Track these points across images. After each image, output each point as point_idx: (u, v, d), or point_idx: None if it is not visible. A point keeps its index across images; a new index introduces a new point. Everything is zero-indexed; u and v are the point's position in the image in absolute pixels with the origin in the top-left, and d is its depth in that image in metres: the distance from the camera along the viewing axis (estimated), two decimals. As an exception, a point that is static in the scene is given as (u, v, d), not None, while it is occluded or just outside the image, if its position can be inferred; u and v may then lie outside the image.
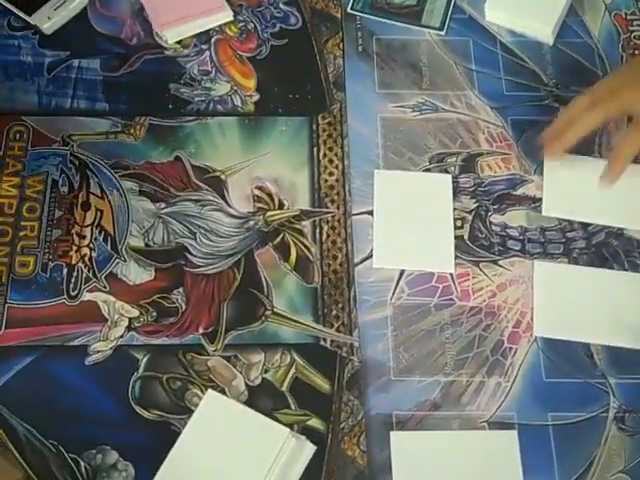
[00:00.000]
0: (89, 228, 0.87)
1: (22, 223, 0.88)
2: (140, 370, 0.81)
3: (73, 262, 0.86)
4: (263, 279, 0.86)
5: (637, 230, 0.90)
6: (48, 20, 0.99)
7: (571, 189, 0.90)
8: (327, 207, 0.90)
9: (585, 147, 0.91)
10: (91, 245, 0.87)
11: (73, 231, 0.87)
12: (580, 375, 0.83)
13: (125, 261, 0.86)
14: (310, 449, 0.78)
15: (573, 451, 0.80)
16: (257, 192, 0.90)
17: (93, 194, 0.89)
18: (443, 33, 1.01)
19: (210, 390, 0.79)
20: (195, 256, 0.87)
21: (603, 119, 0.86)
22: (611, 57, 1.00)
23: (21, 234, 0.87)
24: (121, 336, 0.82)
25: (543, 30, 1.00)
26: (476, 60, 1.00)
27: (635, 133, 0.86)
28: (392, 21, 1.02)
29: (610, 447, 0.80)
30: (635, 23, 1.03)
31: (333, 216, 0.90)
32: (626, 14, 1.04)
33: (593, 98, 0.86)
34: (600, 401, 0.82)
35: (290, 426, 0.78)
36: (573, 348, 0.84)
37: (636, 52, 1.01)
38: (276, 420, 0.78)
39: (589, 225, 0.90)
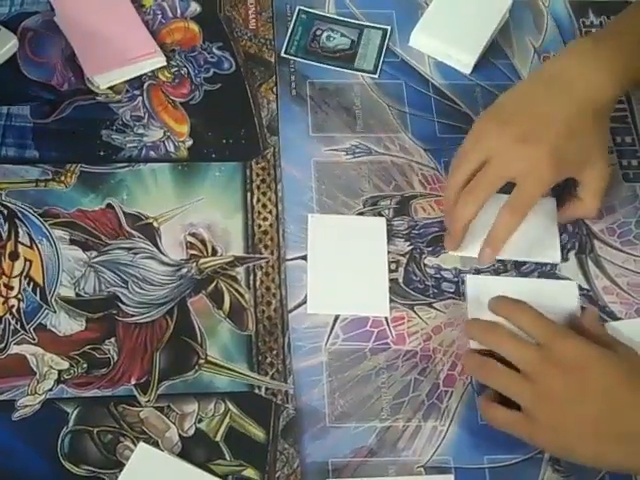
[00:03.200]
0: (17, 279, 0.86)
1: (-51, 274, 0.86)
2: (70, 424, 0.79)
3: (0, 314, 0.84)
4: (196, 327, 0.85)
5: (548, 262, 0.91)
6: (-23, 67, 0.98)
7: (473, 226, 0.89)
8: (261, 253, 0.89)
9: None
10: (19, 296, 0.85)
11: (0, 282, 0.85)
12: (516, 417, 0.83)
13: (55, 312, 0.84)
14: None
15: (510, 494, 0.80)
16: (190, 239, 0.90)
17: (22, 243, 0.88)
18: (376, 76, 1.02)
19: (142, 443, 0.78)
20: (127, 305, 0.86)
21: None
22: (541, 98, 1.01)
23: (-53, 285, 0.85)
24: (50, 389, 0.81)
25: (465, 60, 1.02)
26: (409, 103, 1.00)
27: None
28: (325, 65, 1.02)
29: (547, 489, 0.80)
30: (563, 64, 1.04)
31: (267, 262, 0.89)
32: (553, 56, 1.05)
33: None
34: (535, 443, 0.82)
35: (225, 477, 0.77)
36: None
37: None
38: (210, 471, 0.77)
39: (522, 265, 0.91)
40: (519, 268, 0.91)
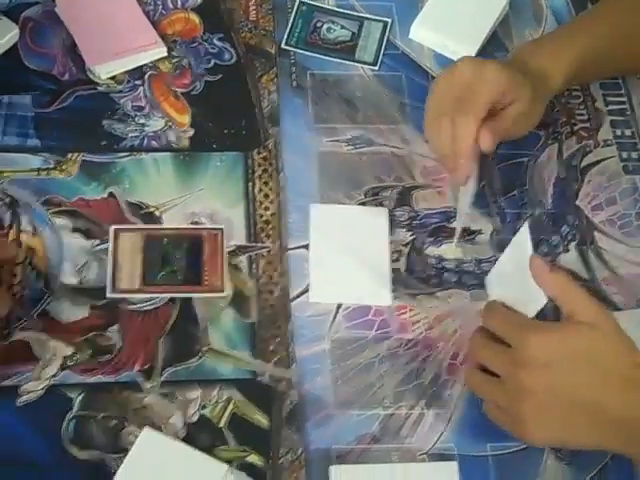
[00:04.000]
0: (20, 266, 0.86)
1: (-49, 261, 0.85)
2: (74, 409, 0.79)
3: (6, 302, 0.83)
4: (199, 315, 0.85)
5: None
6: (-22, 56, 0.98)
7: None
8: (263, 242, 0.90)
9: (516, 179, 0.93)
10: (23, 283, 0.85)
11: (3, 270, 0.85)
12: (517, 405, 0.83)
13: (58, 299, 0.84)
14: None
15: (512, 480, 0.80)
16: (192, 228, 0.90)
17: (24, 232, 0.87)
18: (376, 68, 1.02)
19: (146, 428, 0.77)
20: (130, 293, 0.86)
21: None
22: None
23: (-51, 272, 0.85)
24: (54, 375, 0.81)
25: (464, 52, 1.01)
26: (409, 94, 1.01)
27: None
28: (326, 57, 1.03)
29: (548, 476, 0.81)
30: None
31: (269, 251, 0.89)
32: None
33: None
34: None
35: (229, 462, 0.77)
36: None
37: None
38: (214, 457, 0.77)
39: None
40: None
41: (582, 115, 1.02)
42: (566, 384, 0.71)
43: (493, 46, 1.05)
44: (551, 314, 0.80)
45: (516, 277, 0.77)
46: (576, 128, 1.01)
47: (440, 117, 0.86)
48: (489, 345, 0.77)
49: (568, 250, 0.92)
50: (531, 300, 0.75)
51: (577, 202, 0.95)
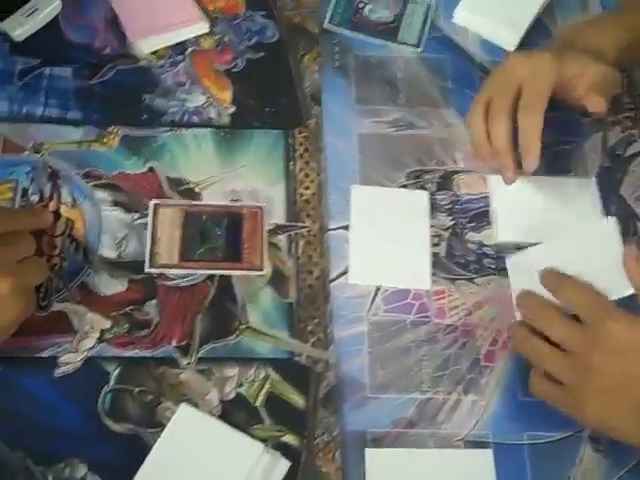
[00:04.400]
0: (60, 238, 0.85)
1: (-9, 231, 0.85)
2: (111, 383, 0.79)
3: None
4: (237, 293, 0.84)
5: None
6: (19, 27, 0.97)
7: (519, 210, 0.91)
8: (303, 222, 0.89)
9: (560, 169, 0.92)
10: (62, 255, 0.85)
11: (43, 240, 0.85)
12: (555, 394, 0.82)
13: (97, 272, 0.84)
14: (284, 465, 0.76)
15: (548, 471, 0.79)
16: (232, 205, 0.89)
17: (64, 203, 0.87)
18: (419, 50, 1.01)
19: (183, 404, 0.77)
20: (168, 268, 0.85)
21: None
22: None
23: (-10, 241, 0.85)
24: (91, 348, 0.80)
25: (509, 38, 1.01)
26: (452, 78, 1.00)
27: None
28: (369, 38, 1.02)
29: (585, 467, 0.80)
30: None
31: (309, 231, 0.89)
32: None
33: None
34: (575, 421, 0.81)
35: (264, 442, 0.77)
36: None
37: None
38: (250, 436, 0.77)
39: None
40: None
41: (628, 104, 1.00)
42: (638, 375, 0.70)
43: (537, 32, 1.04)
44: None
45: (594, 263, 0.77)
46: (621, 117, 0.99)
47: (496, 113, 0.86)
48: (560, 317, 0.76)
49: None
50: (613, 287, 0.75)
51: (620, 192, 0.94)
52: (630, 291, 0.74)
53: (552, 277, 0.80)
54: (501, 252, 0.89)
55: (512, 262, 0.88)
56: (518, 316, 0.83)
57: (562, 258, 0.81)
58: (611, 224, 0.80)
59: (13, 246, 0.75)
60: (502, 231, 0.90)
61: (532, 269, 0.82)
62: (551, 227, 0.89)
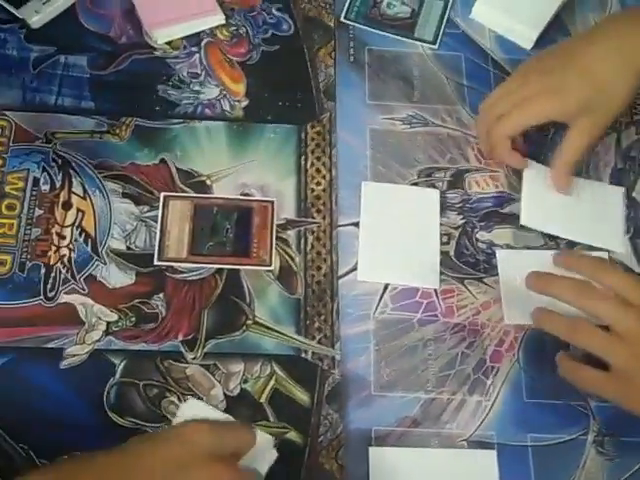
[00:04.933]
0: (69, 228, 0.86)
1: (0, 220, 0.85)
2: (117, 376, 0.80)
3: (51, 262, 0.84)
4: (245, 288, 0.85)
5: (613, 250, 0.90)
6: (35, 14, 0.97)
7: (549, 203, 0.90)
8: (313, 217, 0.89)
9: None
10: (71, 246, 0.85)
11: (53, 231, 0.85)
12: (561, 397, 0.83)
13: (105, 264, 0.84)
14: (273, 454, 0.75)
15: (552, 473, 0.80)
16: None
17: (75, 194, 0.87)
18: (436, 47, 1.01)
19: (191, 397, 0.78)
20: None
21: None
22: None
23: (-1, 231, 0.85)
24: (98, 340, 0.81)
25: (527, 34, 1.01)
26: (468, 76, 0.99)
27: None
28: (385, 33, 1.01)
29: (589, 470, 0.80)
30: (627, 45, 1.02)
31: (318, 226, 0.88)
32: (618, 35, 1.03)
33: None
34: (580, 424, 0.82)
35: (268, 438, 0.77)
36: (555, 369, 0.83)
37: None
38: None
39: (575, 244, 0.89)
40: (572, 248, 0.89)
41: (643, 105, 0.99)
42: None
43: (556, 30, 1.03)
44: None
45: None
46: (636, 118, 0.98)
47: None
48: (609, 298, 0.76)
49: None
50: None
51: (634, 194, 0.93)
52: None
53: (588, 261, 0.80)
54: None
55: (502, 256, 0.89)
56: (506, 314, 0.85)
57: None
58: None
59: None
60: (525, 215, 0.90)
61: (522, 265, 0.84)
62: (571, 225, 0.90)
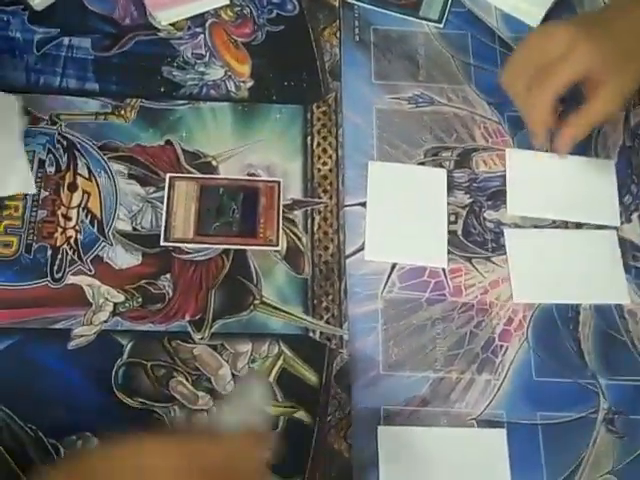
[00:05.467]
0: (75, 210, 0.85)
1: (6, 202, 0.85)
2: (124, 356, 0.79)
3: (58, 244, 0.84)
4: (252, 268, 0.84)
5: (599, 224, 0.90)
6: (39, -4, 0.97)
7: (533, 186, 0.91)
8: (320, 197, 0.88)
9: (581, 147, 0.91)
10: (77, 227, 0.85)
11: (59, 212, 0.85)
12: (570, 375, 0.82)
13: (112, 245, 0.84)
14: None
15: (562, 451, 0.79)
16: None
17: (80, 175, 0.87)
18: (441, 26, 1.00)
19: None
20: (184, 242, 0.85)
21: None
22: (609, 56, 0.99)
23: (5, 213, 0.85)
24: (105, 321, 0.81)
25: (534, 12, 1.00)
26: (474, 54, 0.98)
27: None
28: (390, 12, 1.00)
29: (599, 448, 0.79)
30: (634, 23, 1.02)
31: (325, 206, 0.88)
32: (625, 13, 1.02)
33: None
34: (590, 402, 0.81)
35: (277, 418, 0.77)
36: (564, 347, 0.83)
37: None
38: (262, 412, 0.77)
39: (583, 225, 0.89)
40: (581, 227, 0.89)
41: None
42: None
43: (562, 8, 1.02)
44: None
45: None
46: (644, 96, 0.98)
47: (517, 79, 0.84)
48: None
49: (630, 220, 0.90)
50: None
51: (642, 172, 0.93)
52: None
53: None
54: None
55: (510, 235, 0.89)
56: (515, 293, 0.85)
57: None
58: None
59: None
60: (511, 205, 0.90)
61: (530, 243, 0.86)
62: (562, 205, 0.90)
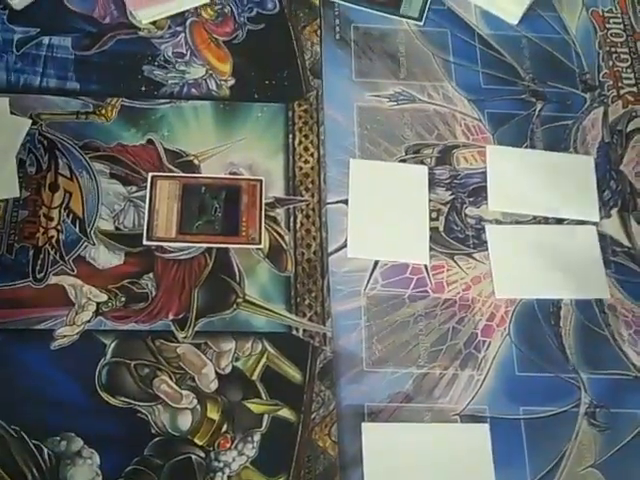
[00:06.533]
0: (57, 210, 0.85)
1: (-13, 203, 0.85)
2: (107, 356, 0.79)
3: (40, 244, 0.83)
4: (235, 266, 0.84)
5: (579, 219, 0.90)
6: (18, -5, 0.96)
7: (514, 182, 0.91)
8: (302, 195, 0.89)
9: (560, 143, 0.92)
10: (59, 227, 0.84)
11: (40, 212, 0.85)
12: (552, 369, 0.83)
13: (94, 244, 0.84)
14: None
15: (544, 445, 0.80)
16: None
17: (62, 175, 0.87)
18: (421, 24, 1.00)
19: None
20: (166, 241, 0.85)
21: None
22: (587, 54, 1.00)
23: (-14, 214, 0.85)
24: (88, 321, 0.80)
25: (512, 10, 1.01)
26: (454, 52, 0.99)
27: None
28: (371, 10, 1.01)
29: (581, 442, 0.80)
30: (612, 20, 1.03)
31: (307, 204, 0.88)
32: (603, 11, 1.04)
33: None
34: (571, 396, 0.82)
35: (261, 415, 0.77)
36: (546, 342, 0.84)
37: (612, 49, 1.00)
38: (247, 409, 0.77)
39: (563, 220, 0.90)
40: (561, 223, 0.90)
41: (629, 79, 0.99)
42: None
43: (541, 5, 1.03)
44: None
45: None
46: (623, 92, 0.98)
47: None
48: None
49: (610, 216, 0.91)
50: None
51: (621, 167, 0.93)
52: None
53: None
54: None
55: (492, 231, 0.89)
56: (497, 289, 0.86)
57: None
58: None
59: None
60: (492, 201, 0.90)
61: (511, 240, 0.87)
62: (542, 201, 0.90)
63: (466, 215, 0.90)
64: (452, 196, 0.91)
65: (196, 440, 0.77)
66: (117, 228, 0.85)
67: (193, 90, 0.93)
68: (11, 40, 0.94)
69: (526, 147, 0.92)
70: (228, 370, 0.80)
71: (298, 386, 0.80)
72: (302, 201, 0.88)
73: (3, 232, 0.84)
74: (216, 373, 0.80)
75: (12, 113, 0.89)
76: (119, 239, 0.85)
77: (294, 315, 0.83)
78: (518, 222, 0.89)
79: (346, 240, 0.87)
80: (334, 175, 0.90)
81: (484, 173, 0.92)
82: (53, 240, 0.84)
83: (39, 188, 0.86)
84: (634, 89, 0.99)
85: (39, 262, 0.82)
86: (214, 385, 0.79)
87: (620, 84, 0.99)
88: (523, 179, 0.91)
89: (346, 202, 0.89)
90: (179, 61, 0.95)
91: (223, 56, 0.96)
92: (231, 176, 0.88)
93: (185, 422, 0.77)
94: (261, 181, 0.88)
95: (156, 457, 0.76)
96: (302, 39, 0.98)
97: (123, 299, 0.82)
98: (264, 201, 0.87)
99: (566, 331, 0.85)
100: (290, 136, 0.91)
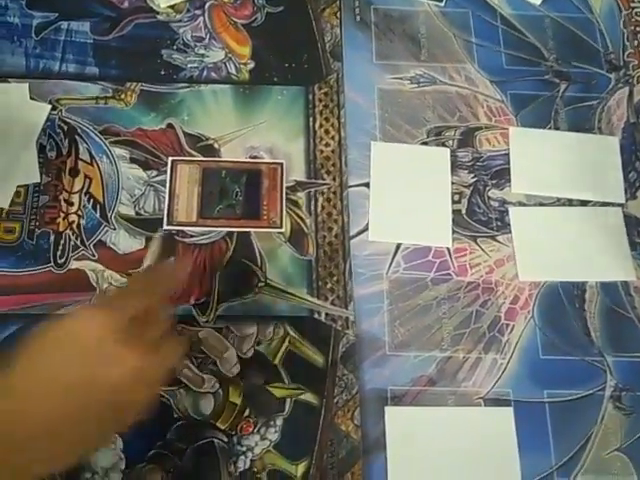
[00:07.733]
0: (77, 195, 0.85)
1: (8, 188, 0.85)
2: (130, 340, 0.79)
3: (60, 229, 0.83)
4: (256, 250, 0.84)
5: (604, 201, 0.89)
6: (37, -19, 0.96)
7: (537, 164, 0.90)
8: (323, 178, 0.88)
9: (584, 124, 0.91)
10: (79, 212, 0.84)
11: (61, 197, 0.85)
12: (577, 353, 0.82)
13: (115, 229, 0.84)
14: None
15: (569, 429, 0.79)
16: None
17: (82, 160, 0.87)
18: (442, 4, 0.99)
19: (202, 361, 0.77)
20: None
21: None
22: (612, 33, 0.99)
23: (7, 199, 0.84)
24: (110, 305, 0.80)
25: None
26: (476, 33, 0.98)
27: None
28: (391, -9, 1.00)
29: (606, 425, 0.79)
30: (636, -1, 1.01)
31: (329, 188, 0.88)
32: (627, -10, 1.02)
33: None
34: (597, 379, 0.81)
35: (283, 400, 0.77)
36: (570, 325, 0.83)
37: (637, 28, 0.99)
38: (269, 393, 0.77)
39: (588, 202, 0.89)
40: (585, 204, 0.89)
41: (655, 58, 0.98)
42: None
43: (563, -16, 1.01)
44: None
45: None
46: (648, 72, 0.97)
47: None
48: None
49: (636, 197, 0.90)
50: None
51: (646, 148, 0.92)
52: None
53: None
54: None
55: (515, 213, 0.88)
56: (520, 271, 0.85)
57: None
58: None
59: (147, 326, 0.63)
60: (515, 183, 0.89)
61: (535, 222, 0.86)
62: (566, 183, 0.89)
63: (489, 197, 0.89)
64: (474, 178, 0.90)
65: (218, 424, 0.76)
66: (137, 213, 0.85)
67: (212, 74, 0.93)
68: (30, 25, 0.94)
69: (550, 128, 0.91)
70: (250, 354, 0.80)
71: (321, 370, 0.79)
72: (323, 184, 0.88)
73: (24, 217, 0.83)
74: (238, 357, 0.79)
75: (32, 99, 0.89)
76: (140, 224, 0.84)
77: (316, 299, 0.82)
78: (542, 204, 0.88)
79: (368, 223, 0.86)
80: (355, 158, 0.89)
81: (507, 155, 0.91)
82: (74, 225, 0.83)
83: (59, 173, 0.86)
84: (659, 68, 0.97)
85: (60, 247, 0.82)
86: (236, 369, 0.79)
87: (645, 63, 0.97)
88: (547, 161, 0.90)
89: (367, 185, 0.88)
90: (198, 45, 0.95)
91: (242, 39, 0.95)
92: (252, 160, 0.88)
93: (207, 406, 0.77)
94: (282, 164, 0.87)
95: (179, 441, 0.75)
96: (322, 21, 0.97)
97: (144, 284, 0.81)
98: (285, 184, 0.87)
99: (591, 314, 0.84)
100: (310, 119, 0.91)
